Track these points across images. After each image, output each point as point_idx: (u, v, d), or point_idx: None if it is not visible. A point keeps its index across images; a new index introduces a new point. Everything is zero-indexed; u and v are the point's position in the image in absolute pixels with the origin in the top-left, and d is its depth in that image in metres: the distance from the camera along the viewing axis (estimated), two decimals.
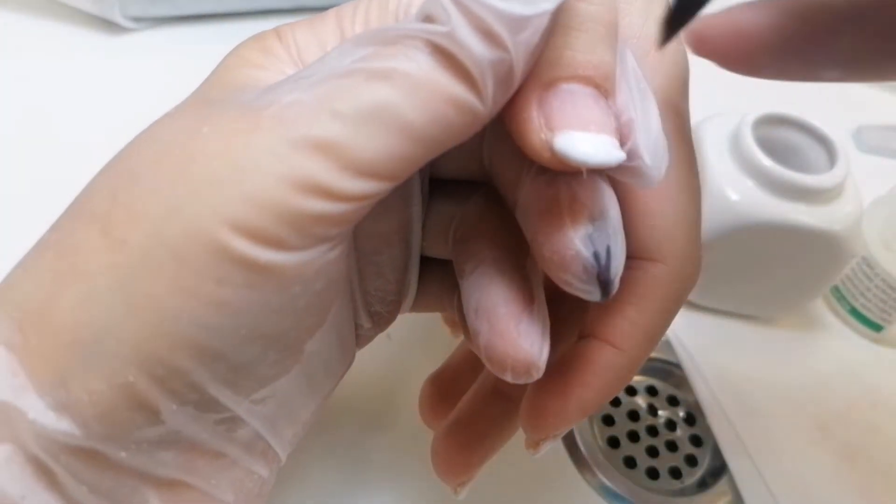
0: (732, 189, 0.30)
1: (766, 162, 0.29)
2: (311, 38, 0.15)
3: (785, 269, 0.32)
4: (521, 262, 0.17)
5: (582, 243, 0.14)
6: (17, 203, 0.34)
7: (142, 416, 0.13)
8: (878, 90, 0.48)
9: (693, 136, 0.18)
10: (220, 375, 0.14)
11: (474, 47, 0.13)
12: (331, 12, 0.16)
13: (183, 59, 0.42)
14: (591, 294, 0.15)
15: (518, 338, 0.16)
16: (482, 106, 0.13)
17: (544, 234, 0.15)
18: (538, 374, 0.16)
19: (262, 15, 0.46)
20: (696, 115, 0.19)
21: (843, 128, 0.45)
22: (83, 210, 0.14)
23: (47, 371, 0.13)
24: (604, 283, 0.15)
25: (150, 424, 0.14)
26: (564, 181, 0.15)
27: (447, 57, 0.13)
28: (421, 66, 0.13)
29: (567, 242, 0.14)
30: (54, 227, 0.14)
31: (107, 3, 0.42)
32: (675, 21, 0.14)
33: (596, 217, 0.15)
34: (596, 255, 0.14)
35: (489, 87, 0.13)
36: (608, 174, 0.15)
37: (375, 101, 0.13)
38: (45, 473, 0.13)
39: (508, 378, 0.16)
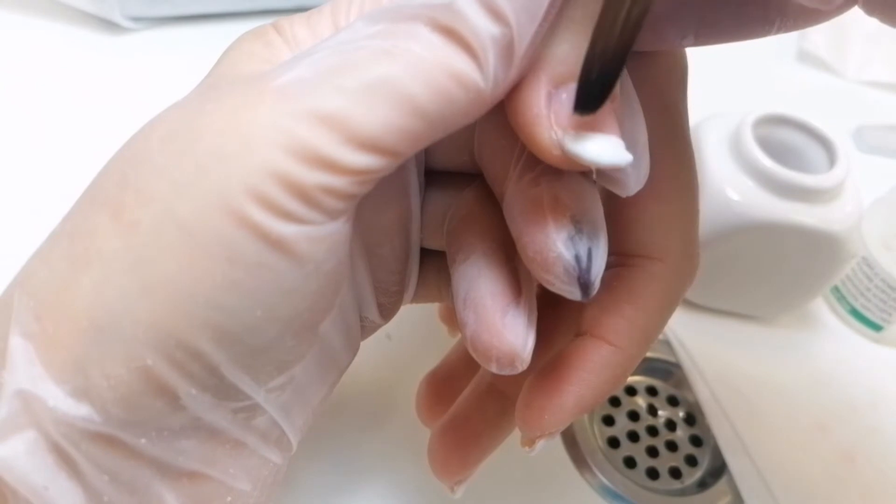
0: (732, 189, 0.30)
1: (766, 162, 0.29)
2: (308, 32, 0.16)
3: (785, 269, 0.32)
4: (510, 253, 0.17)
5: (564, 245, 0.15)
6: (18, 203, 0.34)
7: (161, 400, 0.13)
8: (878, 90, 0.48)
9: (693, 136, 0.18)
10: (238, 359, 0.14)
11: (474, 19, 0.13)
12: (326, 7, 0.16)
13: (183, 59, 0.42)
14: (573, 294, 0.15)
15: (503, 329, 0.16)
16: (484, 82, 0.13)
17: (528, 235, 0.15)
18: (522, 365, 0.16)
19: (262, 15, 0.46)
20: (696, 115, 0.19)
21: (843, 128, 0.45)
22: (95, 196, 0.14)
23: (65, 357, 0.13)
24: (584, 284, 0.15)
25: (169, 410, 0.14)
26: (548, 182, 0.15)
27: (448, 31, 0.13)
28: (422, 42, 0.13)
29: (549, 244, 0.15)
30: (67, 217, 0.14)
31: (107, 3, 0.42)
32: (593, 98, 0.13)
33: (578, 219, 0.15)
34: (577, 258, 0.15)
35: (490, 61, 0.13)
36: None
37: (378, 74, 0.13)
38: (66, 462, 0.14)
39: (493, 369, 0.16)
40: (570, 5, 0.13)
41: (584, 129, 0.13)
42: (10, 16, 0.44)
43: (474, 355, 0.16)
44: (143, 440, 0.14)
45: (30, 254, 0.15)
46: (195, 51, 0.43)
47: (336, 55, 0.13)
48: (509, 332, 0.16)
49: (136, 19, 0.44)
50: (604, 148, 0.13)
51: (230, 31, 0.50)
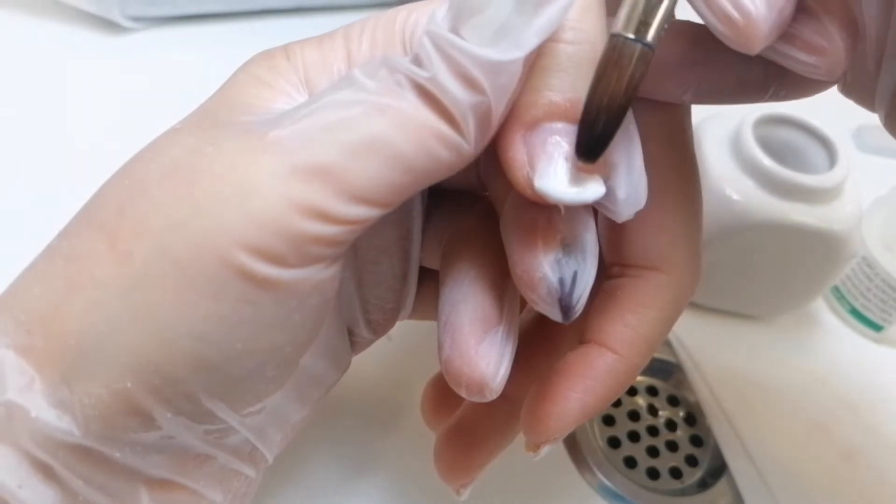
0: (732, 189, 0.30)
1: (766, 162, 0.29)
2: (319, 57, 0.16)
3: (785, 269, 0.32)
4: (498, 281, 0.18)
5: (550, 267, 0.15)
6: (17, 203, 0.34)
7: (137, 421, 0.14)
8: None
9: (693, 136, 0.18)
10: (215, 388, 0.14)
11: (455, 91, 0.13)
12: (339, 32, 0.16)
13: (183, 59, 0.42)
14: (554, 315, 0.15)
15: (475, 357, 0.16)
16: (466, 144, 0.14)
17: (518, 253, 0.15)
18: (492, 395, 0.16)
19: (263, 15, 0.46)
20: (696, 115, 0.19)
21: (843, 128, 0.45)
22: (92, 220, 0.15)
23: (52, 372, 0.14)
24: (565, 307, 0.15)
25: (144, 429, 0.14)
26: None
27: (431, 98, 0.14)
28: (411, 104, 0.14)
29: (536, 265, 0.15)
30: (64, 235, 0.15)
31: (107, 3, 0.42)
32: (596, 148, 0.14)
33: (569, 242, 0.15)
34: (561, 281, 0.15)
35: (471, 127, 0.14)
36: None
37: (371, 133, 0.13)
38: (41, 467, 0.14)
39: (463, 395, 0.16)
40: (539, 56, 0.14)
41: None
42: (10, 16, 0.44)
43: (447, 379, 0.17)
44: (117, 454, 0.14)
45: (29, 253, 0.15)
46: (195, 51, 0.43)
47: (333, 111, 0.14)
48: (482, 361, 0.16)
49: (136, 19, 0.44)
50: (569, 186, 0.14)
51: (230, 31, 0.49)
